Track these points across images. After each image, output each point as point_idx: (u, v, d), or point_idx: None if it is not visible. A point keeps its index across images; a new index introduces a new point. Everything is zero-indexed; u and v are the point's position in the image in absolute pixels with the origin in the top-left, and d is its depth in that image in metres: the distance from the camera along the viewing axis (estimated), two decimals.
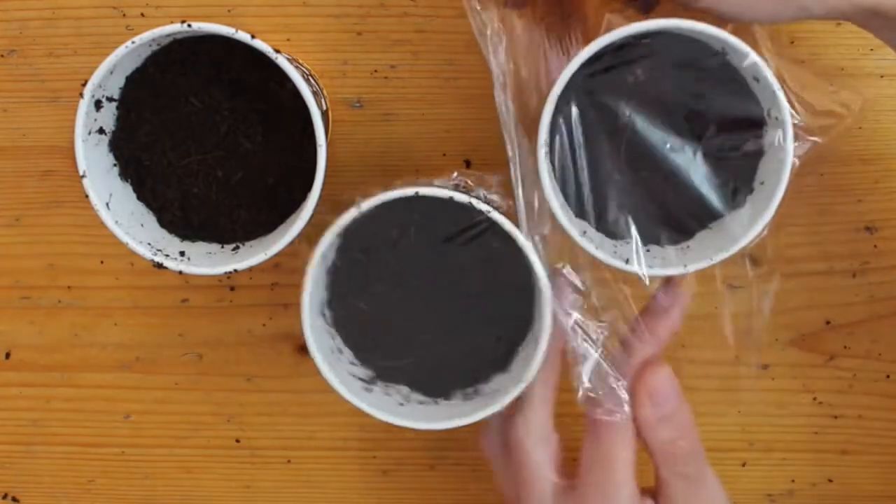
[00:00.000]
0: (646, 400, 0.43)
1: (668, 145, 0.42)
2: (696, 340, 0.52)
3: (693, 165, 0.43)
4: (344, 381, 0.44)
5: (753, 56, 0.40)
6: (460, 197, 0.42)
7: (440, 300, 0.45)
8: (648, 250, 0.43)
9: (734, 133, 0.42)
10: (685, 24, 0.39)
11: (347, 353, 0.46)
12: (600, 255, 0.42)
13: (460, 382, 0.46)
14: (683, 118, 0.42)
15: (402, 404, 0.46)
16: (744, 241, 0.41)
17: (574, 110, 0.42)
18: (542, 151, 0.41)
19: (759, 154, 0.42)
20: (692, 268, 0.42)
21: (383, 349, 0.46)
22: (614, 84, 0.42)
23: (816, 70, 0.49)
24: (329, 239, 0.42)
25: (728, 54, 0.41)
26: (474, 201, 0.42)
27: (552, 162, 0.42)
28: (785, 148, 0.40)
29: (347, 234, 0.43)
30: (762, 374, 0.52)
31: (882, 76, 0.49)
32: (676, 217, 0.44)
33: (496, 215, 0.42)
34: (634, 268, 0.42)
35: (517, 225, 0.43)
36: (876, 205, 0.50)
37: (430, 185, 0.43)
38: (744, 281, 0.50)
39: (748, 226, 0.41)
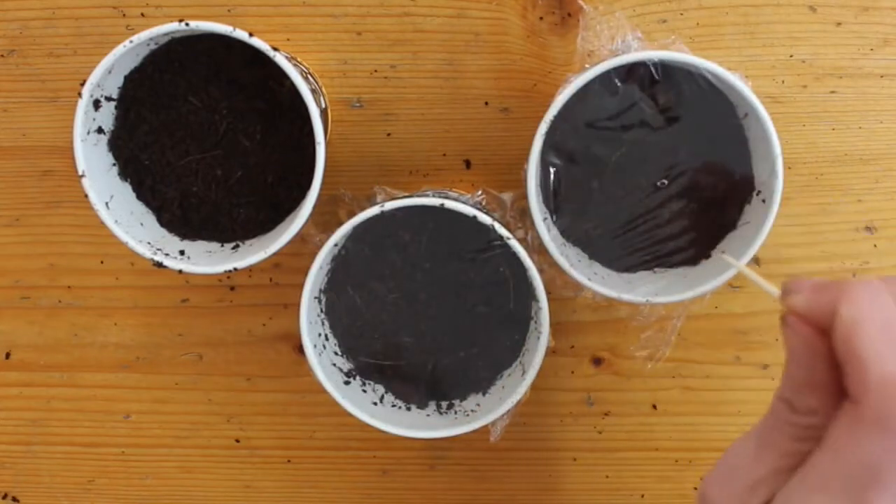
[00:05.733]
0: None
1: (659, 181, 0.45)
2: (696, 340, 0.52)
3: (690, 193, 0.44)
4: (325, 369, 0.44)
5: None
6: (483, 218, 0.42)
7: (434, 311, 0.45)
8: (654, 272, 0.45)
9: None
10: (665, 55, 0.41)
11: (332, 342, 0.46)
12: (608, 292, 0.43)
13: (437, 395, 0.46)
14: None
15: (375, 404, 0.46)
16: (752, 251, 0.43)
17: (566, 150, 0.44)
18: (537, 211, 0.43)
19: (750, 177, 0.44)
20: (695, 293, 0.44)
21: (366, 345, 0.46)
22: (605, 127, 0.44)
23: None
24: (346, 230, 0.42)
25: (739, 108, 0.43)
26: (496, 225, 0.42)
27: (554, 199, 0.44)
28: (774, 159, 0.41)
29: (360, 226, 0.43)
30: (762, 374, 0.52)
31: (882, 76, 0.49)
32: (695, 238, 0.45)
33: (514, 243, 0.42)
34: (639, 298, 0.43)
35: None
36: (876, 205, 0.50)
37: (457, 199, 0.44)
38: (744, 281, 0.50)
39: (753, 237, 0.43)
